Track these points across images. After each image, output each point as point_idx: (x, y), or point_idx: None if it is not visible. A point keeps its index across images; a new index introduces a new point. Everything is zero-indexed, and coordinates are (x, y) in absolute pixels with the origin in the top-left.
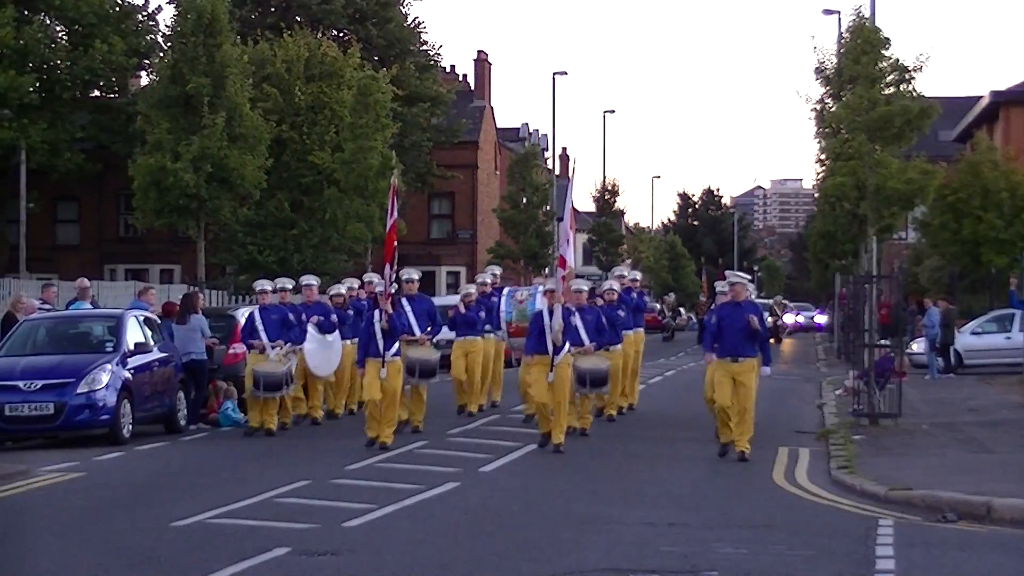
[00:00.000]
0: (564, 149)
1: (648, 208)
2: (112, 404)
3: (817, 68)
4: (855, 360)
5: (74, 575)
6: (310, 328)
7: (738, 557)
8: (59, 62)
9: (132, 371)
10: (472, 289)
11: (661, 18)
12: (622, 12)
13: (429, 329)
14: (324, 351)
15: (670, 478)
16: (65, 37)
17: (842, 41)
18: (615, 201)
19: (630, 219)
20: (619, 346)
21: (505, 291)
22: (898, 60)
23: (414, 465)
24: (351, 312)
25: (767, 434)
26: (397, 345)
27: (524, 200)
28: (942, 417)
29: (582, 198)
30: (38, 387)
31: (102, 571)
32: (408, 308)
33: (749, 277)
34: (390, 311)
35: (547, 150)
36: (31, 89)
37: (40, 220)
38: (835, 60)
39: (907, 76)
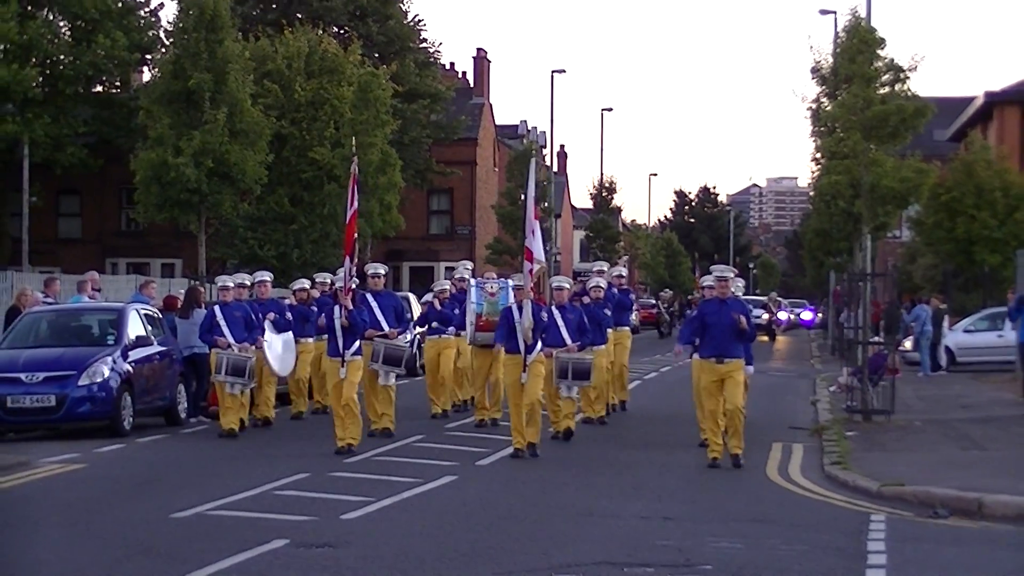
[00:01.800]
0: (562, 146)
1: (645, 205)
2: (113, 396)
3: (813, 68)
4: (849, 357)
5: (74, 565)
6: (266, 325)
7: (732, 551)
8: (62, 57)
9: (133, 364)
10: (446, 285)
11: (660, 17)
12: (621, 11)
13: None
14: (282, 350)
15: (665, 473)
16: (68, 32)
17: (838, 41)
18: (612, 198)
19: (627, 216)
20: (603, 346)
21: (474, 282)
22: (893, 60)
23: (412, 458)
24: (315, 308)
25: (761, 430)
26: (358, 344)
27: (522, 196)
28: (935, 414)
29: (580, 195)
30: (40, 379)
31: (102, 562)
32: (375, 304)
33: (736, 271)
34: (350, 307)
35: (545, 147)
36: (34, 84)
37: (42, 214)
38: (831, 60)
39: (902, 76)
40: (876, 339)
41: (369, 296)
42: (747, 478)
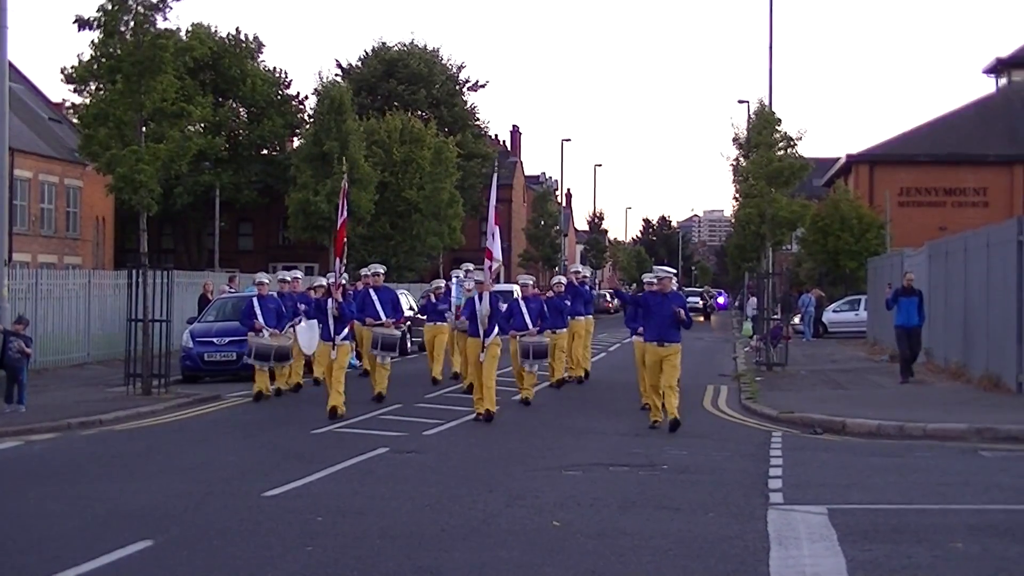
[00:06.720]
0: (568, 189)
1: (623, 228)
2: None
3: (733, 137)
4: (758, 328)
5: (249, 463)
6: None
7: (680, 456)
8: (241, 131)
9: None
10: (441, 283)
11: (636, 100)
12: (609, 100)
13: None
14: (310, 333)
15: (635, 407)
16: (246, 115)
17: (750, 120)
18: (601, 224)
19: (612, 235)
20: (564, 330)
21: (455, 281)
22: (786, 132)
23: (469, 395)
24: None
25: (700, 376)
26: (347, 330)
27: (542, 223)
28: (814, 366)
29: (580, 221)
30: (226, 342)
31: (268, 462)
32: (375, 297)
33: (675, 271)
34: (340, 300)
35: (557, 190)
36: (223, 148)
37: (228, 234)
38: (745, 132)
39: (792, 143)
40: (776, 316)
41: (371, 291)
42: (691, 409)
